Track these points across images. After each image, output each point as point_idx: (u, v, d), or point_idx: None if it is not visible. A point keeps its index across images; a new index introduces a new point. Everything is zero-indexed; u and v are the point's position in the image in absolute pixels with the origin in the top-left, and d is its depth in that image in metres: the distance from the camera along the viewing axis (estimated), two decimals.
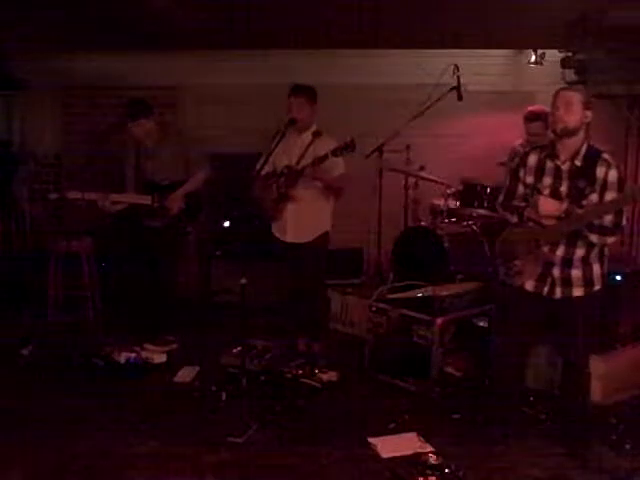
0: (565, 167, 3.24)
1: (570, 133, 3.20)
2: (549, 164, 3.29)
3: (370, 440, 3.49)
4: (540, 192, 3.29)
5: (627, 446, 3.46)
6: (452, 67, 5.40)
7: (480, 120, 6.22)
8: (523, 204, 3.37)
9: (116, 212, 4.84)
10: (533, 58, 6.13)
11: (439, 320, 4.07)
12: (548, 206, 3.23)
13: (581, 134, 3.23)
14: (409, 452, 3.35)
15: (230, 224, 4.99)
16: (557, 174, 3.26)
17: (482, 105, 6.11)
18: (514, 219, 3.44)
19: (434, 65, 5.53)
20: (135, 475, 3.19)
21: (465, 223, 5.16)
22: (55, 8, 4.74)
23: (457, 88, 5.46)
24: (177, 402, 3.96)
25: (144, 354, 4.54)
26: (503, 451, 3.42)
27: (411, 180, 5.73)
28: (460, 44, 5.85)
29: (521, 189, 3.40)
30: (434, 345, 4.06)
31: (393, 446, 3.42)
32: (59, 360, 4.56)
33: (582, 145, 3.23)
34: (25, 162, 6.59)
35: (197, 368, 4.41)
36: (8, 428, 3.60)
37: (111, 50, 6.17)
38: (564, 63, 5.91)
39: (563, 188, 3.23)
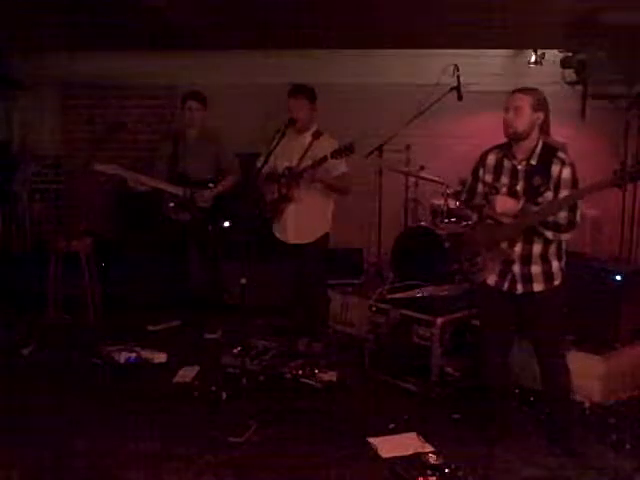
0: (521, 167, 3.31)
1: (520, 137, 3.28)
2: (506, 164, 3.36)
3: (370, 440, 3.49)
4: (498, 191, 3.36)
5: (627, 446, 3.46)
6: (452, 67, 5.41)
7: (480, 120, 6.21)
8: (483, 202, 3.45)
9: (138, 193, 4.98)
10: (533, 58, 6.14)
11: (439, 320, 4.07)
12: (505, 204, 3.31)
13: (534, 134, 3.29)
14: (409, 452, 3.35)
15: (230, 224, 5.00)
16: (514, 174, 3.33)
17: (482, 105, 6.10)
18: (475, 217, 3.53)
19: (434, 65, 5.54)
20: (135, 475, 3.19)
21: (465, 223, 5.16)
22: (55, 8, 4.73)
23: (457, 88, 5.46)
24: (177, 402, 3.96)
25: (144, 354, 4.54)
26: (503, 451, 3.42)
27: (411, 180, 5.73)
28: (460, 44, 5.86)
29: (480, 187, 3.48)
30: (434, 345, 4.06)
31: (393, 446, 3.42)
32: (59, 360, 4.56)
33: (537, 145, 3.30)
34: (25, 162, 6.59)
35: (197, 368, 4.41)
36: (8, 428, 3.59)
37: (111, 50, 6.18)
38: (564, 63, 5.92)
39: (519, 187, 3.31)
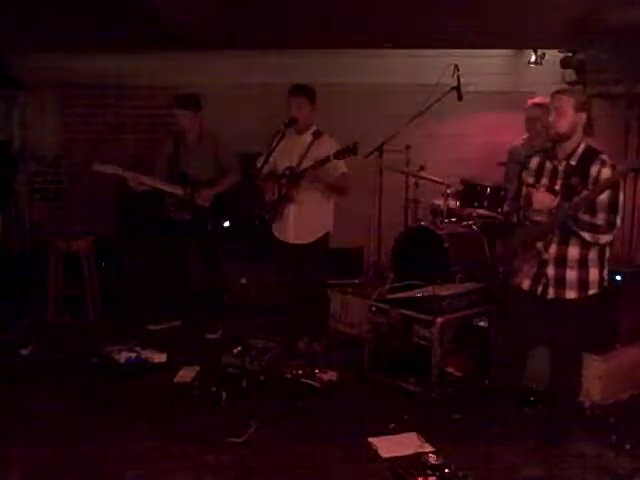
0: (561, 167, 3.31)
1: (563, 137, 3.28)
2: (548, 165, 3.37)
3: (370, 440, 3.49)
4: (537, 190, 3.36)
5: (627, 446, 3.46)
6: (452, 67, 5.41)
7: (480, 120, 6.22)
8: (519, 205, 3.47)
9: (138, 193, 5.00)
10: (533, 58, 6.14)
11: (439, 320, 4.07)
12: (542, 200, 3.30)
13: (577, 135, 3.28)
14: (409, 452, 3.35)
15: (230, 224, 5.01)
16: (554, 174, 3.34)
17: (482, 105, 6.11)
18: (514, 219, 3.53)
19: (434, 65, 5.54)
20: (135, 475, 3.19)
21: (465, 223, 5.16)
22: (55, 8, 4.72)
23: (457, 88, 5.46)
24: (177, 402, 3.96)
25: (144, 354, 4.54)
26: (503, 451, 3.42)
27: (411, 180, 5.73)
28: (460, 44, 5.85)
29: (524, 191, 3.48)
30: (434, 345, 4.06)
31: (393, 446, 3.42)
32: (59, 360, 4.56)
33: (578, 145, 3.29)
34: (25, 162, 6.60)
35: (197, 368, 4.41)
36: (8, 428, 3.60)
37: (111, 50, 6.18)
38: (564, 63, 5.92)
39: (558, 187, 3.31)
